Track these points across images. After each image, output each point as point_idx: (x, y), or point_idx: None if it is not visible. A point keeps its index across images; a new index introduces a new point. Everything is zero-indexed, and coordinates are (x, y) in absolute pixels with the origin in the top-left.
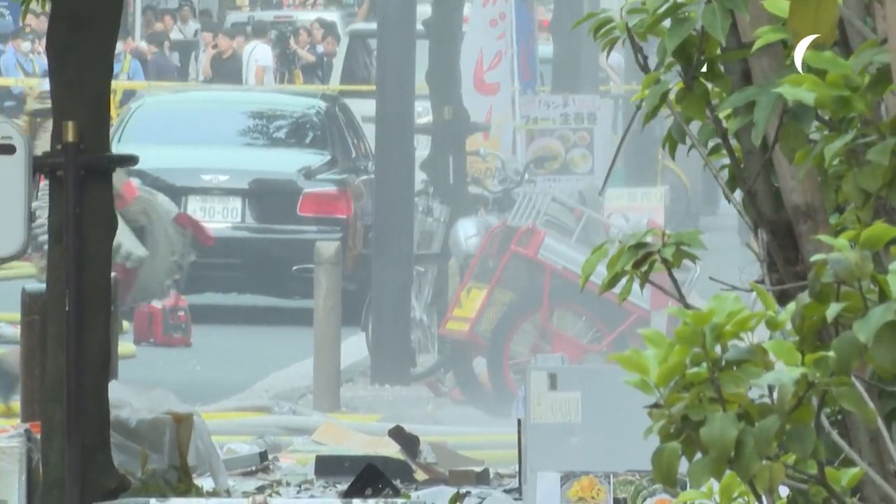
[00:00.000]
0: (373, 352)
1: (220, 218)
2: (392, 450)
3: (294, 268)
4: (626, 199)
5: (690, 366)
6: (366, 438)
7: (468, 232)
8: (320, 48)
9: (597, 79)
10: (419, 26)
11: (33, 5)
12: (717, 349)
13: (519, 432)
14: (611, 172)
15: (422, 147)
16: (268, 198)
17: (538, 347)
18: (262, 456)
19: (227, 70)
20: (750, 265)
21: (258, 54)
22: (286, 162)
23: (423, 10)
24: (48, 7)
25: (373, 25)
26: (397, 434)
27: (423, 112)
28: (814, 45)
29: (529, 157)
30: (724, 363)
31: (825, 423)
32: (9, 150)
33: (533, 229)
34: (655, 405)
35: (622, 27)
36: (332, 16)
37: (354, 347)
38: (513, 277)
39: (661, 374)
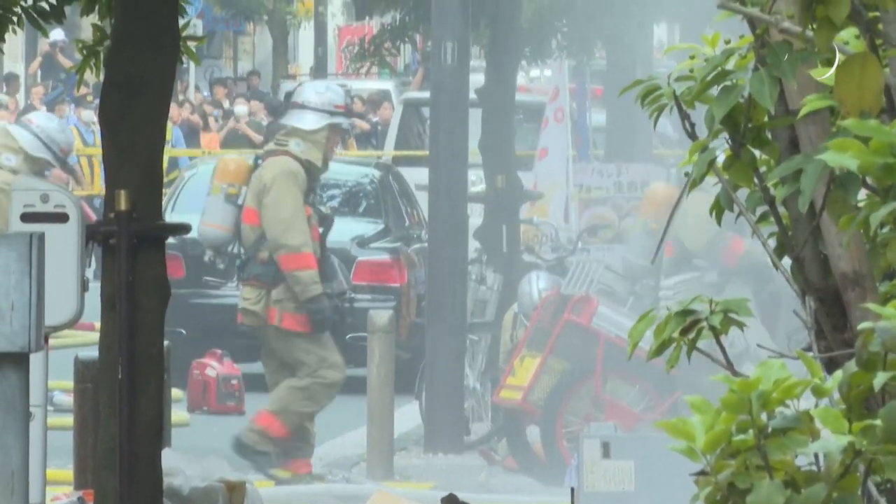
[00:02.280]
0: (426, 420)
1: None
2: None
3: (348, 336)
4: None
5: (737, 433)
6: None
7: (541, 285)
8: (375, 117)
9: (650, 147)
10: (472, 95)
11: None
12: (764, 416)
13: (572, 501)
14: (663, 241)
15: (475, 215)
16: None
17: (591, 416)
18: None
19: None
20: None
21: None
22: (340, 230)
23: (477, 79)
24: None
25: (426, 94)
26: (450, 502)
27: (476, 181)
28: (860, 113)
29: (583, 226)
30: (770, 430)
31: (874, 491)
32: (62, 218)
33: (586, 297)
34: (702, 472)
35: (669, 94)
36: (387, 84)
37: (408, 416)
38: (566, 346)
39: (707, 441)
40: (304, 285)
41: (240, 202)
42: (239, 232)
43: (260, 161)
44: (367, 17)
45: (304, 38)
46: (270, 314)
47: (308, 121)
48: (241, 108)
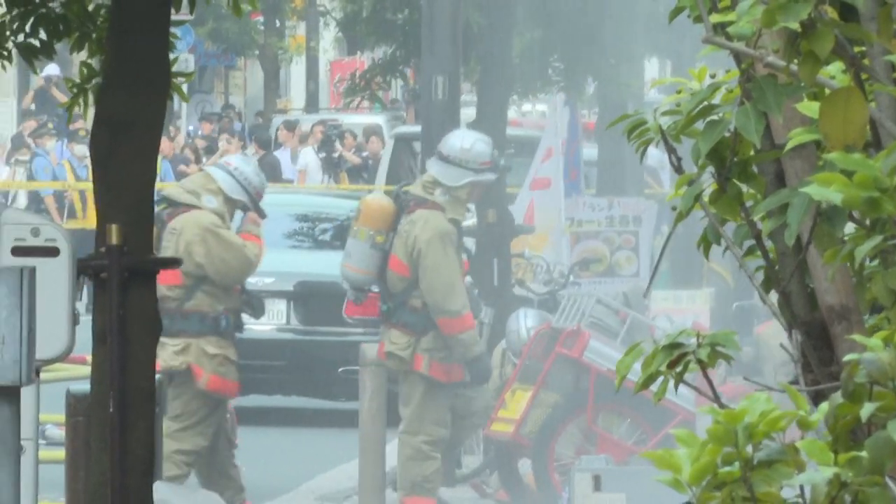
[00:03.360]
0: None
1: (266, 320)
2: None
3: (339, 370)
4: (671, 302)
5: (723, 465)
6: None
7: (529, 322)
8: (365, 151)
9: (641, 181)
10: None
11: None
12: (750, 448)
13: None
14: (655, 275)
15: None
16: (313, 300)
17: (583, 449)
18: None
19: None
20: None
21: (303, 157)
22: (331, 264)
23: (468, 113)
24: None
25: (417, 128)
26: None
27: (467, 215)
28: (845, 147)
29: (574, 259)
30: (756, 462)
31: None
32: (53, 252)
33: (578, 331)
34: None
35: (656, 129)
36: (378, 119)
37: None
38: (558, 379)
39: (693, 473)
40: (465, 347)
41: (386, 247)
42: (383, 275)
43: (406, 203)
44: (358, 52)
45: (296, 73)
46: (417, 361)
47: (452, 176)
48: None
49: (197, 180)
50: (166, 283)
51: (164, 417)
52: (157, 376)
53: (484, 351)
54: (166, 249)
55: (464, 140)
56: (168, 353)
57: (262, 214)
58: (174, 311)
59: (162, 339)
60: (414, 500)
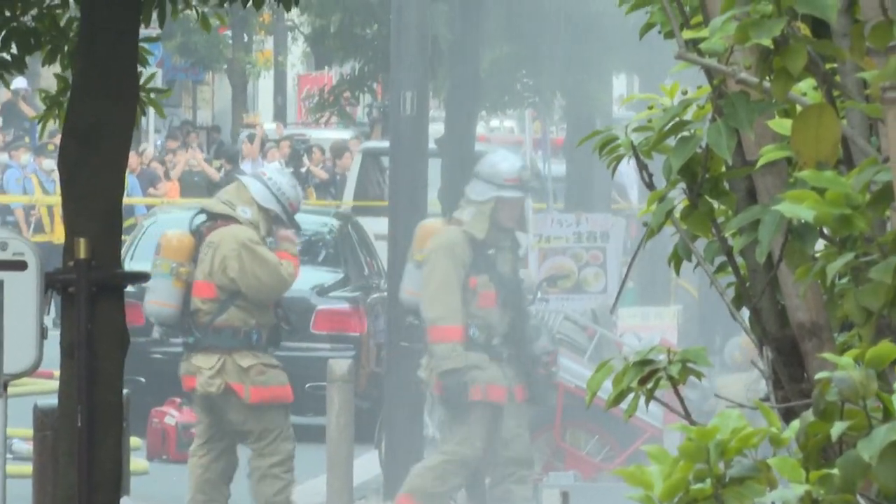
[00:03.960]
0: (386, 469)
1: None
2: None
3: (307, 385)
4: (638, 318)
5: (694, 482)
6: None
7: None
8: (333, 166)
9: (609, 197)
10: (431, 144)
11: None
12: (721, 465)
13: None
14: (622, 291)
15: None
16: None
17: (551, 465)
18: None
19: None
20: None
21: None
22: (299, 279)
23: (436, 129)
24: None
25: (385, 143)
26: None
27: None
28: (817, 164)
29: (542, 276)
30: (728, 479)
31: None
32: (21, 266)
33: (545, 348)
34: None
35: (627, 145)
36: (346, 134)
37: (367, 465)
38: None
39: (665, 490)
40: (438, 359)
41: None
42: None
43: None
44: (326, 67)
45: (264, 87)
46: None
47: (477, 190)
48: (192, 160)
49: (231, 191)
50: (200, 296)
51: (246, 443)
52: (125, 392)
53: (458, 369)
54: (203, 262)
55: (493, 157)
56: (204, 379)
57: (295, 227)
58: (206, 325)
59: (196, 364)
60: (404, 498)
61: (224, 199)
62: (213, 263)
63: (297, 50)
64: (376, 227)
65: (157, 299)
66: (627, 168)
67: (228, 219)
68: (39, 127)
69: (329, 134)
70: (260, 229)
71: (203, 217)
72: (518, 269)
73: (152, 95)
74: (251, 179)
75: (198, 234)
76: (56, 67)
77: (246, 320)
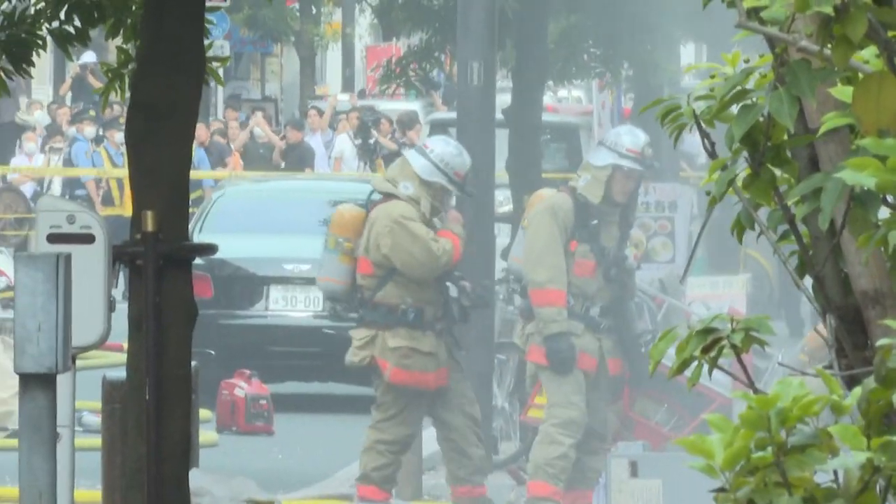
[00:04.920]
0: None
1: (302, 307)
2: None
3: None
4: (707, 288)
5: (756, 450)
6: None
7: None
8: (403, 138)
9: (677, 166)
10: (499, 115)
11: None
12: (783, 433)
13: None
14: (692, 261)
15: (503, 235)
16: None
17: (620, 435)
18: None
19: (296, 159)
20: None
21: (339, 144)
22: None
23: (503, 99)
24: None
25: (453, 115)
26: None
27: (503, 201)
28: (878, 131)
29: None
30: (789, 447)
31: None
32: (89, 239)
33: (646, 327)
34: (721, 489)
35: (689, 113)
36: (414, 105)
37: (436, 436)
38: None
39: (726, 459)
40: (543, 322)
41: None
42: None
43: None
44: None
45: (332, 59)
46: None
47: (598, 156)
48: (257, 129)
49: (395, 167)
50: (361, 272)
51: (371, 407)
52: (193, 364)
53: (564, 332)
54: (362, 239)
55: (620, 129)
56: (350, 350)
57: (467, 195)
58: (366, 301)
59: (352, 335)
60: (533, 485)
61: (388, 175)
62: (369, 240)
63: (364, 21)
64: None
65: (327, 275)
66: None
67: (390, 196)
68: (102, 99)
69: (396, 105)
70: (421, 205)
71: (375, 195)
72: (624, 246)
73: (212, 65)
74: (413, 153)
75: (368, 212)
76: (119, 41)
77: (403, 297)
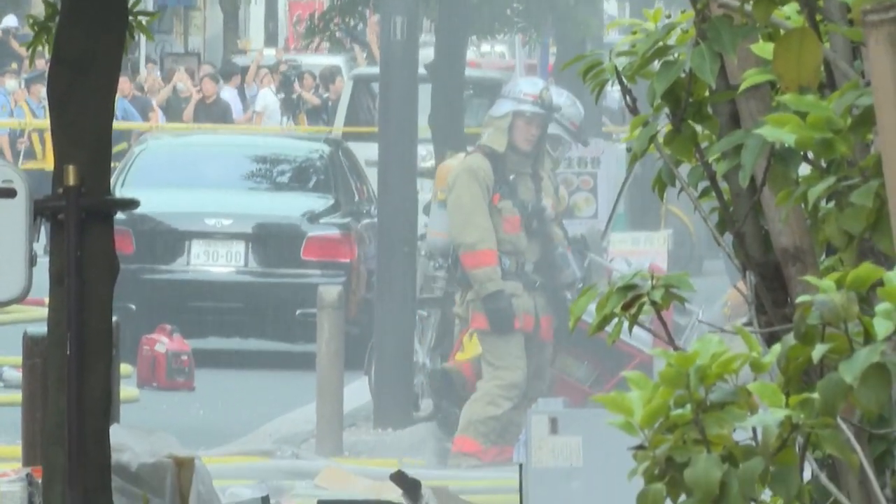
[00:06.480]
0: (375, 396)
1: (224, 262)
2: (394, 494)
3: (297, 312)
4: (629, 244)
5: (675, 407)
6: (368, 483)
7: None
8: (325, 92)
9: (600, 123)
10: (422, 70)
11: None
12: (702, 391)
13: (521, 477)
14: (613, 216)
15: (425, 191)
16: (271, 242)
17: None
18: (265, 500)
19: (211, 114)
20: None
21: (262, 98)
22: (290, 206)
23: (426, 54)
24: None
25: (376, 69)
26: (399, 478)
27: (426, 156)
28: (799, 88)
29: None
30: (708, 405)
31: (814, 465)
32: (10, 193)
33: (574, 276)
34: (640, 447)
35: (611, 69)
36: (337, 60)
37: (357, 392)
38: None
39: (645, 416)
40: (479, 283)
41: None
42: None
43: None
44: None
45: (255, 13)
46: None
47: (498, 107)
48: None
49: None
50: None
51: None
52: (115, 319)
53: (501, 291)
54: None
55: (519, 78)
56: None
57: (582, 142)
58: None
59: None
60: (460, 440)
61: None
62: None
63: None
64: (367, 153)
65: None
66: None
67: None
68: (29, 54)
69: (320, 60)
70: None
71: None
72: (541, 197)
73: (140, 19)
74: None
75: None
76: None
77: None
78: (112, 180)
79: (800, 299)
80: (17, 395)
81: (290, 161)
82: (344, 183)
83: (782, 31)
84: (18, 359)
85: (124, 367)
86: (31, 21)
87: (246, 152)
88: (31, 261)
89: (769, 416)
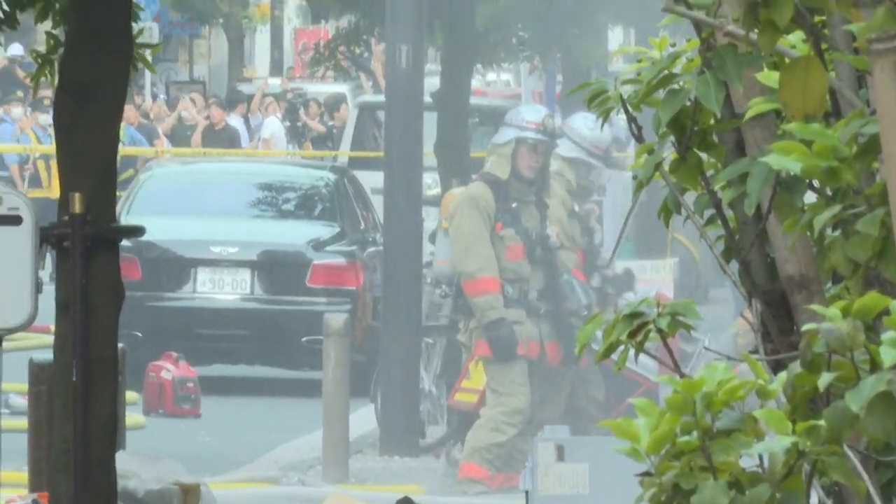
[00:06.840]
0: (382, 423)
1: (230, 290)
2: None
3: (303, 339)
4: (635, 272)
5: (681, 434)
6: None
7: None
8: (331, 121)
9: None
10: (427, 98)
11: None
12: (708, 418)
13: None
14: (619, 245)
15: (430, 219)
16: (277, 269)
17: (547, 419)
18: None
19: (219, 141)
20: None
21: (268, 126)
22: (295, 233)
23: (432, 82)
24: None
25: (381, 97)
26: None
27: (431, 184)
28: (804, 116)
29: None
30: (714, 431)
31: (820, 493)
32: (15, 220)
33: (581, 302)
34: (647, 473)
35: (616, 97)
36: (342, 88)
37: (363, 419)
38: None
39: (652, 443)
40: (481, 311)
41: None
42: None
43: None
44: (322, 21)
45: (261, 41)
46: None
47: (501, 135)
48: (185, 112)
49: None
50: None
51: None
52: (121, 346)
53: (503, 318)
54: None
55: (522, 106)
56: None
57: (612, 166)
58: None
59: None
60: (466, 466)
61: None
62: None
63: (293, 3)
64: (372, 180)
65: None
66: (623, 121)
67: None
68: (32, 85)
69: (325, 88)
70: (570, 181)
71: None
72: (545, 225)
73: (142, 51)
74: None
75: None
76: (49, 25)
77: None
78: (118, 207)
79: (806, 327)
80: (23, 422)
81: (296, 189)
82: (350, 211)
83: (788, 60)
84: (24, 386)
85: (130, 395)
86: (34, 54)
87: (252, 180)
88: (37, 288)
89: (776, 443)
